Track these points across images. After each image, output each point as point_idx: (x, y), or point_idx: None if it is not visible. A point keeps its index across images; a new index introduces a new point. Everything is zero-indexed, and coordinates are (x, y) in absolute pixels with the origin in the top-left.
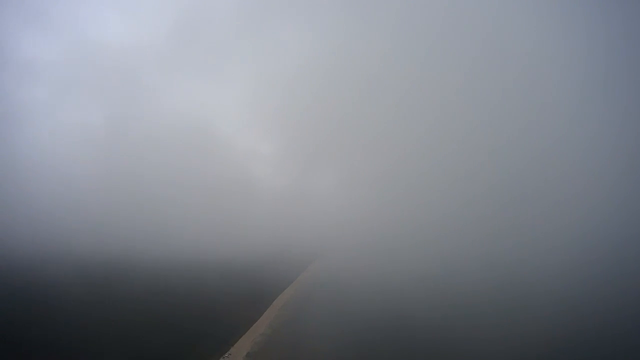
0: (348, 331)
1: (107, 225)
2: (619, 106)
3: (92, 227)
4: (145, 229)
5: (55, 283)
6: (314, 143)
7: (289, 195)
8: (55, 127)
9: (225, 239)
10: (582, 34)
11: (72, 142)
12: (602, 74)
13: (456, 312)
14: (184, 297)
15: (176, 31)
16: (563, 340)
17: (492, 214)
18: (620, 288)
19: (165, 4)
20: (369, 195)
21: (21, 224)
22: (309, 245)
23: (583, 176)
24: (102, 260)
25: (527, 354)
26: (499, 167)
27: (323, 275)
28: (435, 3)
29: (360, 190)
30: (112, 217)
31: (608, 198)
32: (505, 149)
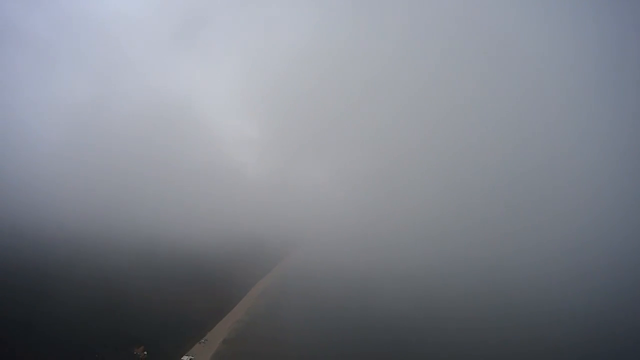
0: (324, 324)
1: (84, 202)
2: (627, 110)
3: (67, 204)
4: (123, 208)
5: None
6: (304, 134)
7: (273, 183)
8: (37, 99)
9: (204, 223)
10: (592, 39)
11: (53, 116)
12: (611, 78)
13: (438, 310)
14: (161, 280)
15: (166, 5)
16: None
17: (485, 216)
18: (621, 289)
19: None
20: (356, 193)
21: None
22: (288, 235)
23: (588, 180)
24: (79, 236)
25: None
26: (496, 168)
27: (301, 266)
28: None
29: (347, 188)
30: (90, 193)
31: (614, 202)
32: (504, 149)
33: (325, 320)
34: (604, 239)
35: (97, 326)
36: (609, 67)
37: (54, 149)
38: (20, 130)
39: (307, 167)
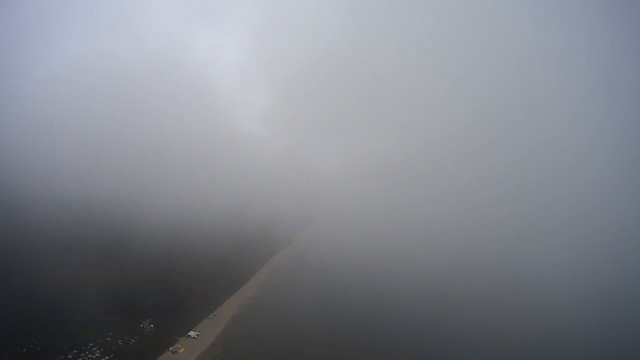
0: (332, 305)
1: (91, 170)
2: (623, 106)
3: (73, 170)
4: (134, 182)
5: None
6: (325, 114)
7: (289, 161)
8: (34, 60)
9: (216, 199)
10: (592, 37)
11: (53, 78)
12: (606, 74)
13: (449, 296)
14: (172, 254)
15: None
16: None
17: (497, 212)
18: (622, 286)
19: None
20: (372, 178)
21: None
22: (302, 214)
23: (588, 175)
24: (87, 208)
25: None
26: (508, 165)
27: (313, 246)
28: None
29: (364, 172)
30: (95, 160)
31: (612, 197)
32: (513, 147)
33: (333, 303)
34: (611, 237)
35: (104, 299)
36: (619, 69)
37: (63, 115)
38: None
39: (325, 147)
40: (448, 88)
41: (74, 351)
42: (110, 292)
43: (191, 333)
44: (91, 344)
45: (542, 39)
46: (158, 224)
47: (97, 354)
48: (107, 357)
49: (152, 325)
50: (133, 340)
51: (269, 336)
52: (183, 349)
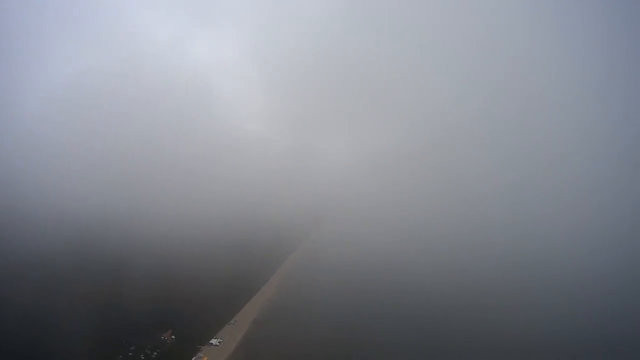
0: (349, 303)
1: (99, 182)
2: (627, 106)
3: (64, 189)
4: (145, 188)
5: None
6: (324, 106)
7: (296, 160)
8: (31, 73)
9: (225, 202)
10: (600, 38)
11: (52, 88)
12: (614, 76)
13: (462, 289)
14: (186, 262)
15: None
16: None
17: (510, 202)
18: (622, 284)
19: None
20: (379, 172)
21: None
22: (313, 212)
23: (590, 175)
24: (99, 218)
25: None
26: (513, 166)
27: (327, 244)
28: None
29: (371, 166)
30: (103, 174)
31: (614, 197)
32: (519, 148)
33: (352, 301)
34: (609, 233)
35: (122, 313)
36: (614, 68)
37: (56, 125)
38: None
39: (330, 145)
40: (453, 82)
41: None
42: (127, 306)
43: (213, 341)
44: None
45: (544, 37)
46: (164, 236)
47: None
48: None
49: (173, 337)
50: (155, 353)
51: (290, 338)
52: (206, 358)
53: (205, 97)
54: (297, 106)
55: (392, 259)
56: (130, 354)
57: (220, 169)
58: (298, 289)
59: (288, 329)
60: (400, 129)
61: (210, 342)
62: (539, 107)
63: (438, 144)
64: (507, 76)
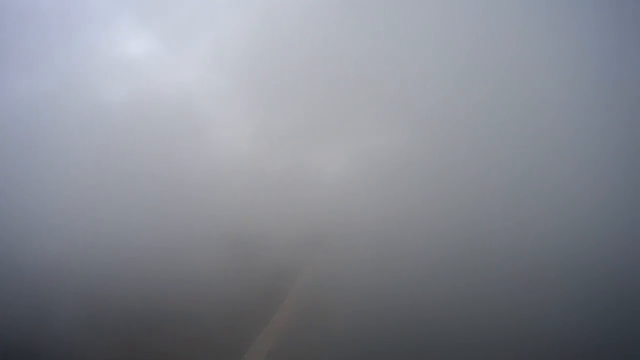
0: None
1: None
2: (626, 104)
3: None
4: (128, 210)
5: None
6: (317, 114)
7: (290, 178)
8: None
9: (216, 226)
10: (591, 33)
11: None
12: (610, 73)
13: (464, 300)
14: (184, 298)
15: None
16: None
17: (503, 214)
18: (621, 286)
19: None
20: (383, 182)
21: None
22: (312, 231)
23: (588, 174)
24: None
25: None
26: (509, 166)
27: (332, 264)
28: None
29: (369, 177)
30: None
31: (611, 197)
32: (516, 146)
33: (368, 319)
34: (607, 232)
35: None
36: (611, 67)
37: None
38: None
39: (327, 154)
40: (455, 80)
41: None
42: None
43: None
44: None
45: (545, 34)
46: (150, 269)
47: None
48: None
49: None
50: None
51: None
52: None
53: (193, 120)
54: (290, 120)
55: (402, 270)
56: None
57: (213, 193)
58: (309, 312)
59: (305, 357)
60: (401, 133)
61: None
62: (544, 107)
63: (442, 146)
64: (512, 73)
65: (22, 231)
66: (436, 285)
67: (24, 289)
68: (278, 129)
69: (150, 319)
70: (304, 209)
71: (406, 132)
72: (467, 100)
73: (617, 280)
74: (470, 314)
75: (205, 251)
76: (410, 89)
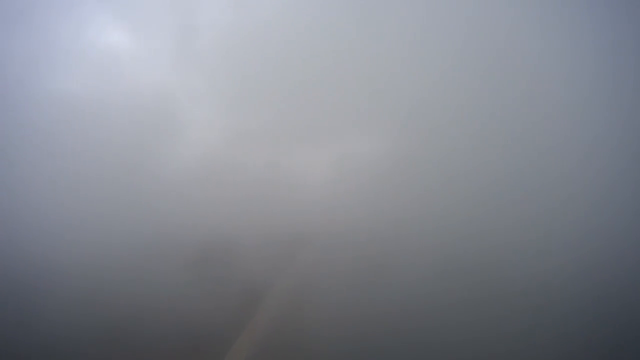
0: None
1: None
2: (626, 105)
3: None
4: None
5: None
6: (299, 122)
7: (270, 180)
8: None
9: (199, 224)
10: (589, 33)
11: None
12: (609, 73)
13: (450, 306)
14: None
15: None
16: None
17: (496, 209)
18: (621, 288)
19: None
20: (363, 185)
21: None
22: (293, 234)
23: (587, 175)
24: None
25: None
26: (505, 165)
27: (314, 269)
28: None
29: (353, 180)
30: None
31: (611, 198)
32: (511, 147)
33: (349, 332)
34: (605, 235)
35: None
36: (608, 63)
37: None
38: None
39: (309, 158)
40: (448, 81)
41: None
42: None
43: None
44: None
45: (548, 34)
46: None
47: None
48: None
49: None
50: None
51: None
52: None
53: (169, 120)
54: (270, 121)
55: (388, 280)
56: None
57: (187, 194)
58: (289, 321)
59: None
60: (387, 135)
61: None
62: (543, 107)
63: (435, 146)
64: (510, 73)
65: None
66: (424, 293)
67: None
68: (257, 129)
69: (93, 325)
70: (283, 213)
71: (393, 135)
72: (460, 102)
73: (618, 282)
74: (459, 321)
75: (174, 255)
76: (399, 90)
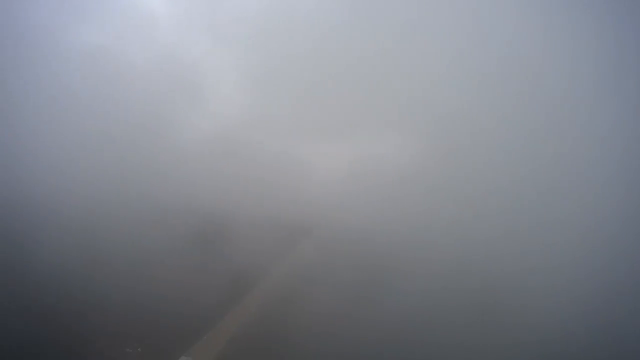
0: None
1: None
2: (631, 105)
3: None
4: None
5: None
6: (315, 110)
7: (285, 167)
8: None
9: (205, 204)
10: (592, 33)
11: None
12: (613, 73)
13: (448, 305)
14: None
15: None
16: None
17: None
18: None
19: None
20: (378, 188)
21: None
22: (301, 221)
23: (592, 177)
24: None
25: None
26: (510, 167)
27: (317, 257)
28: None
29: (369, 179)
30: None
31: (615, 199)
32: (516, 148)
33: (349, 312)
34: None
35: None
36: (609, 65)
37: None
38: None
39: (322, 152)
40: (460, 79)
41: None
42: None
43: (183, 358)
44: None
45: (556, 34)
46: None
47: None
48: None
49: (139, 350)
50: None
51: (271, 355)
52: None
53: (194, 90)
54: (293, 111)
55: (388, 283)
56: None
57: (202, 167)
58: (284, 302)
59: (268, 345)
60: (403, 132)
61: (180, 359)
62: (556, 108)
63: (447, 149)
64: (519, 72)
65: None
66: (422, 298)
67: None
68: (277, 115)
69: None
70: (288, 201)
71: (412, 138)
72: (473, 110)
73: (620, 284)
74: (457, 323)
75: (175, 224)
76: (421, 93)
